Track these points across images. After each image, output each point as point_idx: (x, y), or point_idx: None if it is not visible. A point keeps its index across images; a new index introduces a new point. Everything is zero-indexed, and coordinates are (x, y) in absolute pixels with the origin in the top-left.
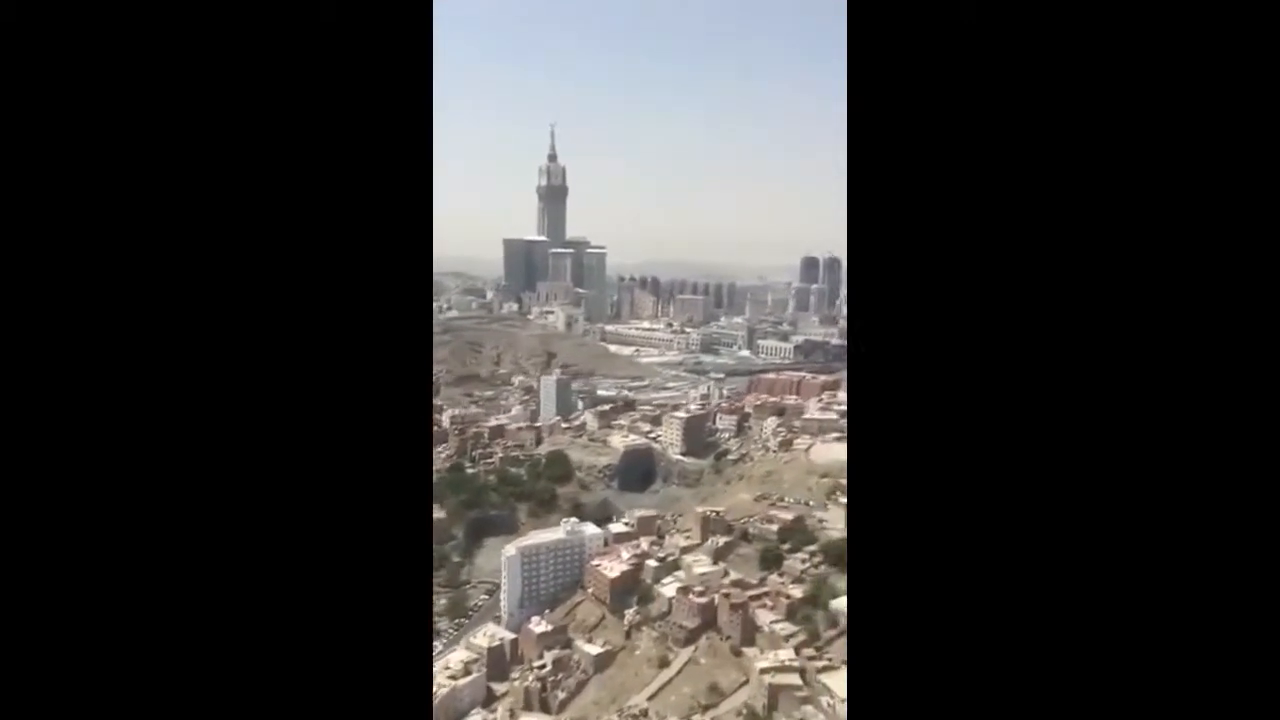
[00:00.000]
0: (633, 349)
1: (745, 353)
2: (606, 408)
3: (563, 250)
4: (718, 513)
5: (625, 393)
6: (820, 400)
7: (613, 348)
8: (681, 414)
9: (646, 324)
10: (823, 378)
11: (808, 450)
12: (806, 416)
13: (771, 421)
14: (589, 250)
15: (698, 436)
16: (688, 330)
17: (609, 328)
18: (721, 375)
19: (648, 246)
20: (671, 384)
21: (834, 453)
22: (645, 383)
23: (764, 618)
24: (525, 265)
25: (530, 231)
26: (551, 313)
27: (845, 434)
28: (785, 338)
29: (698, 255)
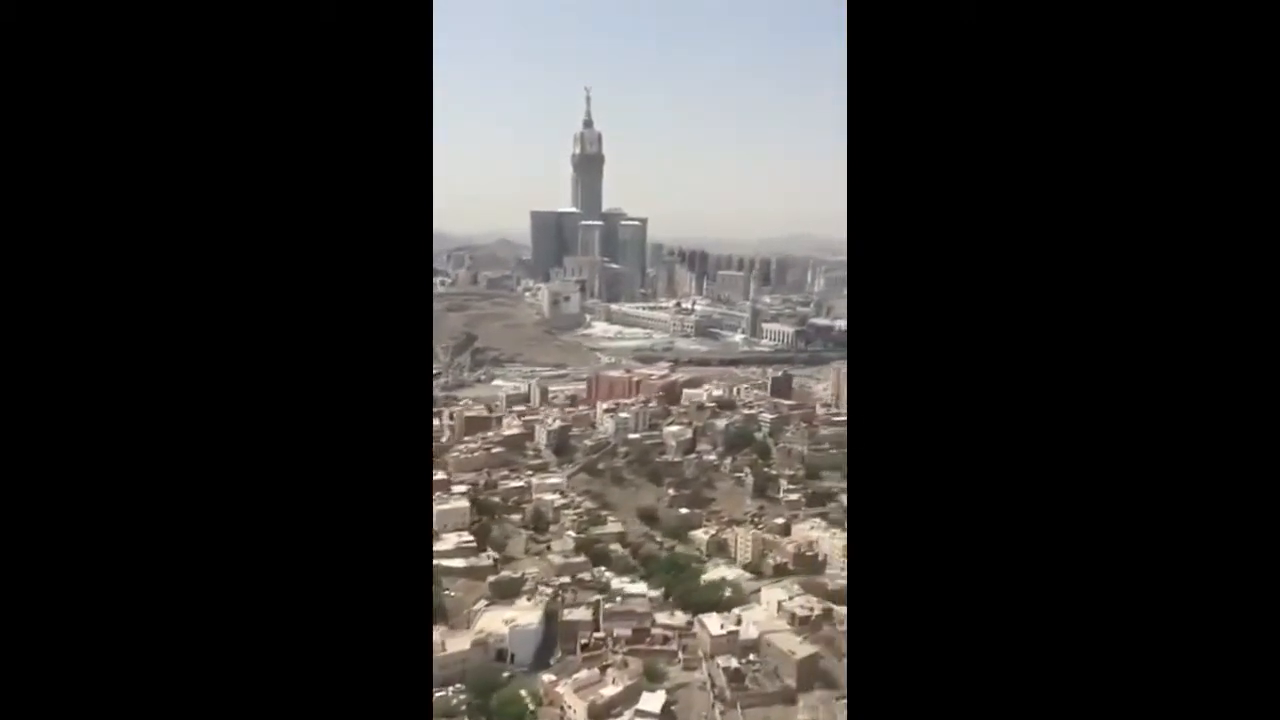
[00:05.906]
0: (616, 330)
1: (738, 338)
2: None
3: (593, 223)
4: None
5: (530, 383)
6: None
7: (597, 328)
8: None
9: (664, 303)
10: (675, 377)
11: None
12: None
13: None
14: (624, 222)
15: None
16: (696, 309)
17: (614, 307)
18: (669, 365)
19: (723, 218)
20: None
21: None
22: (564, 372)
23: None
24: (556, 239)
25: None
26: (539, 290)
27: None
28: (803, 321)
29: (798, 228)
